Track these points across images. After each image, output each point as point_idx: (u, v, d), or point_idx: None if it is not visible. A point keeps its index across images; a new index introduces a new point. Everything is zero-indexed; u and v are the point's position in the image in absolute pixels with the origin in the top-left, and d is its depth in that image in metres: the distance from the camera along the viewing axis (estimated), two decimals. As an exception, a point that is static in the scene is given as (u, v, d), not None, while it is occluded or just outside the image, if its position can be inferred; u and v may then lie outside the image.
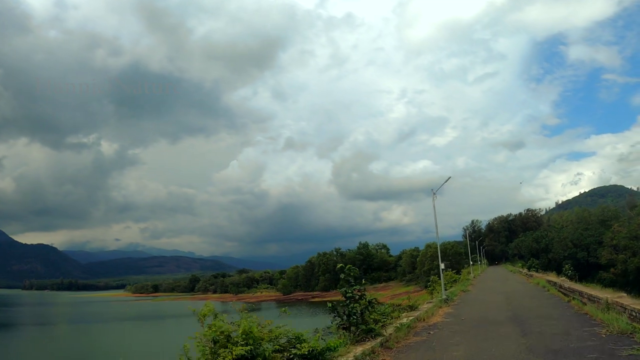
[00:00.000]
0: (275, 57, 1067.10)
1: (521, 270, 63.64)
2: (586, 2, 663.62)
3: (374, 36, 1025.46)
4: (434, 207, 25.43)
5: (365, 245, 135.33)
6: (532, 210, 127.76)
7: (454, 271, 46.41)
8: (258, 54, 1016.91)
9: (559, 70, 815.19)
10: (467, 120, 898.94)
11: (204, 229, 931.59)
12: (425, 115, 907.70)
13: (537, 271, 54.28)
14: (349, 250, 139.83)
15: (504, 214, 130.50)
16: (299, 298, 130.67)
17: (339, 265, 12.11)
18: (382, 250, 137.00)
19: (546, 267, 72.93)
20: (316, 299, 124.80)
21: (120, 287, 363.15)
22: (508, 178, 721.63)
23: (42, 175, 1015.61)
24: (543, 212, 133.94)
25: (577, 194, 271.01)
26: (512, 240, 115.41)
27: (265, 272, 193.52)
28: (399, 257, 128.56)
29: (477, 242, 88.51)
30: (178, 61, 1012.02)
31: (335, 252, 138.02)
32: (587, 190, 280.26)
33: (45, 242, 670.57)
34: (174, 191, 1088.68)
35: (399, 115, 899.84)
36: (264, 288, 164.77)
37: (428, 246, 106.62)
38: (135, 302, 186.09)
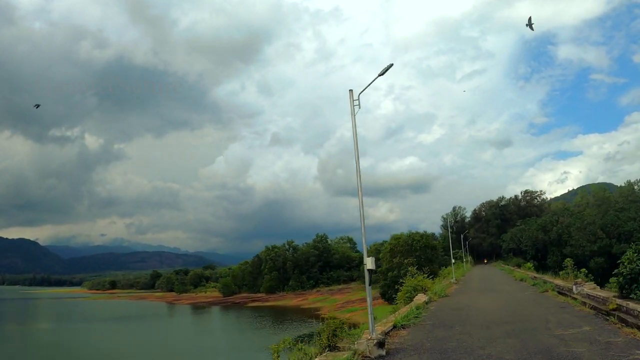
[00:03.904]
0: (260, 51, 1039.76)
1: (551, 280, 26.17)
2: (575, 0, 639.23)
3: (361, 31, 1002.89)
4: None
5: (323, 238, 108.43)
6: (532, 193, 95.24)
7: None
8: (243, 47, 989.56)
9: (547, 69, 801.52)
10: (455, 117, 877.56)
11: (189, 224, 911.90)
12: (412, 112, 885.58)
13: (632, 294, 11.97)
14: (305, 243, 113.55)
15: (494, 198, 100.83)
16: (237, 301, 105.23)
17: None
18: (345, 244, 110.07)
19: (559, 269, 44.98)
20: (256, 304, 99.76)
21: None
22: (495, 176, 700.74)
23: (25, 169, 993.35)
24: (545, 195, 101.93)
25: (565, 191, 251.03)
26: (506, 230, 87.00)
27: (228, 269, 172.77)
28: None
29: (452, 232, 61.09)
30: (162, 54, 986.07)
31: (287, 246, 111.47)
32: (574, 188, 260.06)
33: (30, 237, 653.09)
34: (159, 186, 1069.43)
35: (386, 112, 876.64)
36: (212, 287, 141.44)
37: (392, 238, 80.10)
38: (71, 301, 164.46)
